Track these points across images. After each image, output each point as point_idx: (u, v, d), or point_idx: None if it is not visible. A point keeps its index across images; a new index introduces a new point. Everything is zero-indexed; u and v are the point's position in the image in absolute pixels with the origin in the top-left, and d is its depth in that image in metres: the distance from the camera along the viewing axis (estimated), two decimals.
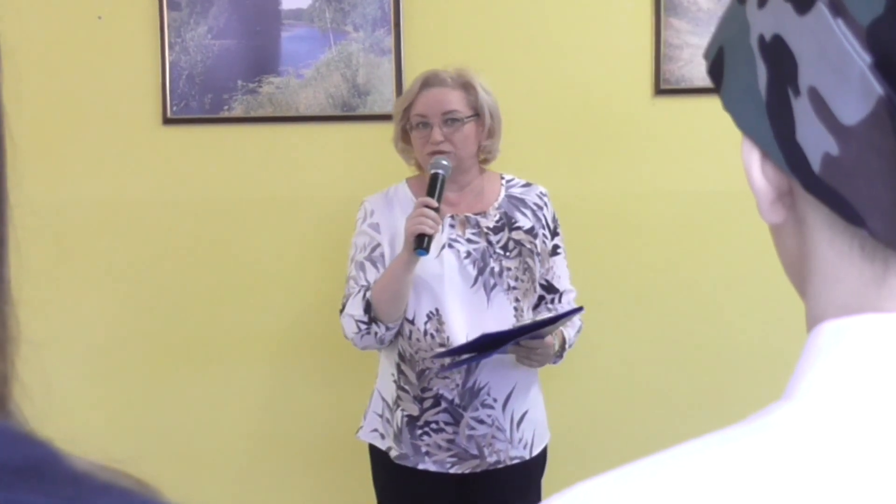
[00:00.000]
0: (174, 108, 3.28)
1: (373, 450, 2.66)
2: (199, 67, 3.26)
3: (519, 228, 2.59)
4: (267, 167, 3.29)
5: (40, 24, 3.28)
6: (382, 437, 2.62)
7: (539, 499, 2.65)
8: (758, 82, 0.58)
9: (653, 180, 3.19)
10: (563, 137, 3.20)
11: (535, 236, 2.61)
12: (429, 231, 2.36)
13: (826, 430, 0.53)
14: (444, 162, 2.47)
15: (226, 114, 3.28)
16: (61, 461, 0.32)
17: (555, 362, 2.62)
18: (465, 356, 2.45)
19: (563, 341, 2.58)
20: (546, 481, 2.71)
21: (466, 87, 2.56)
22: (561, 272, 2.66)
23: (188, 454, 3.32)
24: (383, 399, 2.63)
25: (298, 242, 3.30)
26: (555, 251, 2.65)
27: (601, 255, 3.20)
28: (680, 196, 3.19)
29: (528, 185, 2.68)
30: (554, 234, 2.66)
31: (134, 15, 3.28)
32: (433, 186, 2.44)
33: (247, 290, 3.32)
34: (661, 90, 3.16)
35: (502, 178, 2.67)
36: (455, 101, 2.54)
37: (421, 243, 2.36)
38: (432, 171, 2.46)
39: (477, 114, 2.56)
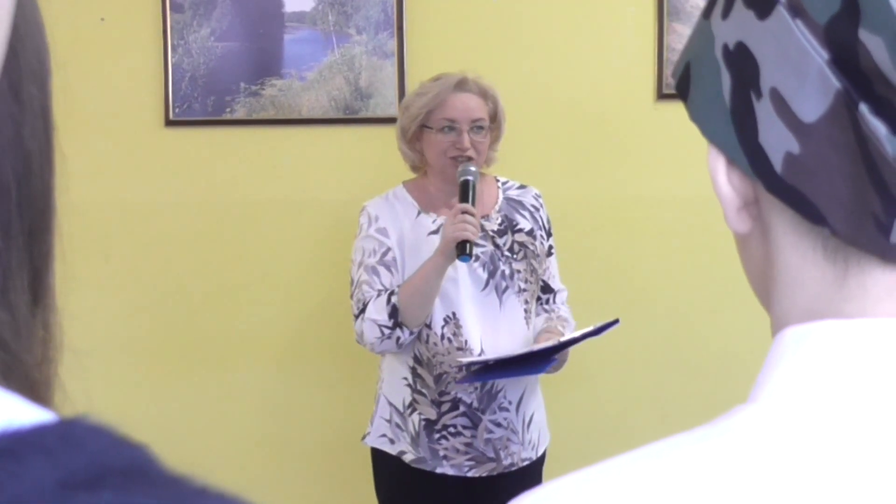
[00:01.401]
0: (176, 111, 3.29)
1: (378, 455, 2.66)
2: (202, 70, 3.26)
3: (520, 230, 2.61)
4: (269, 170, 3.30)
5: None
6: (392, 441, 2.62)
7: None
8: (722, 90, 0.59)
9: (655, 185, 3.19)
10: (566, 141, 3.21)
11: (535, 238, 2.62)
12: (471, 237, 2.37)
13: (785, 433, 0.54)
14: (473, 168, 2.48)
15: (228, 116, 3.28)
16: (158, 465, 0.33)
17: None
18: (478, 366, 2.46)
19: None
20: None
21: (486, 95, 2.58)
22: (555, 271, 2.70)
23: (191, 456, 3.32)
24: (391, 404, 2.63)
25: (300, 245, 3.30)
26: (550, 251, 2.68)
27: (602, 259, 3.20)
28: (681, 201, 3.19)
29: (522, 187, 2.69)
30: (549, 234, 2.68)
31: (137, 17, 3.28)
32: (466, 193, 2.44)
33: (248, 292, 3.32)
34: (663, 95, 3.16)
35: (497, 180, 2.69)
36: (481, 108, 2.56)
37: (464, 249, 2.37)
38: (462, 179, 2.46)
39: (493, 123, 2.58)
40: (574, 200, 3.14)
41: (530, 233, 2.62)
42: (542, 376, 2.68)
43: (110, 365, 3.34)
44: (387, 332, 2.48)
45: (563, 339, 2.49)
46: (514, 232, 2.60)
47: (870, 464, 0.52)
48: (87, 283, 3.32)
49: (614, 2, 3.17)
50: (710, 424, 0.58)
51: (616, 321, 2.49)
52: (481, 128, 2.55)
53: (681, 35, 3.13)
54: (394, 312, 2.47)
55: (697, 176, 3.17)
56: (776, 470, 0.53)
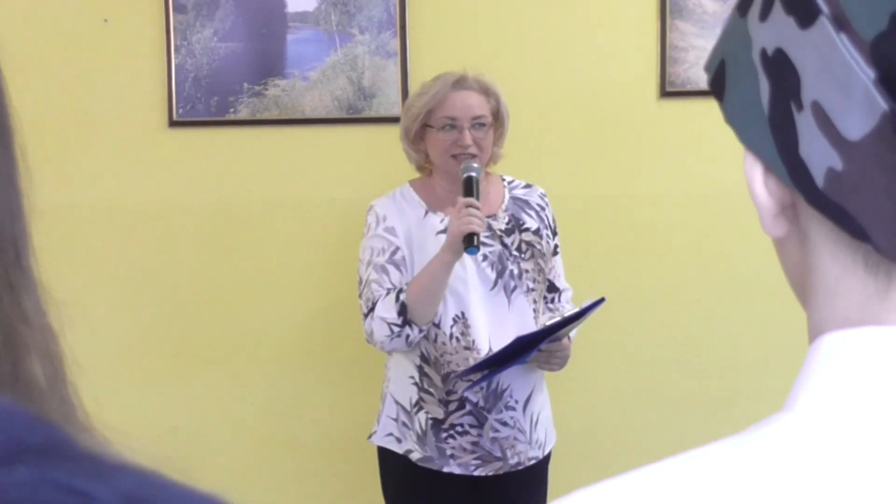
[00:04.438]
0: (180, 111, 3.29)
1: (385, 454, 2.66)
2: (205, 70, 3.27)
3: (527, 230, 2.61)
4: (272, 170, 3.30)
5: (46, 27, 3.29)
6: (399, 440, 2.62)
7: (545, 499, 2.66)
8: (760, 96, 0.57)
9: (658, 182, 3.19)
10: (569, 139, 3.21)
11: (541, 237, 2.62)
12: (477, 229, 2.37)
13: (826, 442, 0.53)
14: (475, 165, 2.49)
15: (231, 116, 3.28)
16: (73, 442, 0.34)
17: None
18: (485, 371, 2.46)
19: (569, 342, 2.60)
20: (550, 482, 2.71)
21: (488, 92, 2.58)
22: (560, 271, 2.70)
23: (194, 456, 3.32)
24: (398, 402, 2.63)
25: (304, 245, 3.30)
26: (555, 251, 2.68)
27: (606, 257, 3.20)
28: (685, 198, 3.19)
29: (528, 186, 2.70)
30: (555, 233, 2.69)
31: (140, 18, 3.29)
32: (469, 188, 2.45)
33: (253, 292, 3.32)
34: (666, 92, 3.16)
35: (503, 179, 2.69)
36: (482, 106, 2.56)
37: (471, 242, 2.38)
38: (465, 175, 2.47)
39: (496, 120, 2.58)
40: (577, 198, 3.13)
41: (537, 232, 2.62)
42: (547, 375, 2.68)
43: (115, 366, 3.34)
44: (396, 329, 2.48)
45: (549, 322, 2.49)
46: (521, 231, 2.60)
47: None
48: (91, 284, 3.32)
49: (617, 0, 3.17)
50: (748, 432, 0.56)
51: (602, 300, 2.48)
52: (483, 125, 2.54)
53: (683, 32, 3.13)
54: (402, 310, 2.46)
55: (701, 173, 3.17)
56: (815, 480, 0.52)
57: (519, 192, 2.67)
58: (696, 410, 3.19)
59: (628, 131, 3.19)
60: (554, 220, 2.69)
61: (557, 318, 2.49)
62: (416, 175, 2.70)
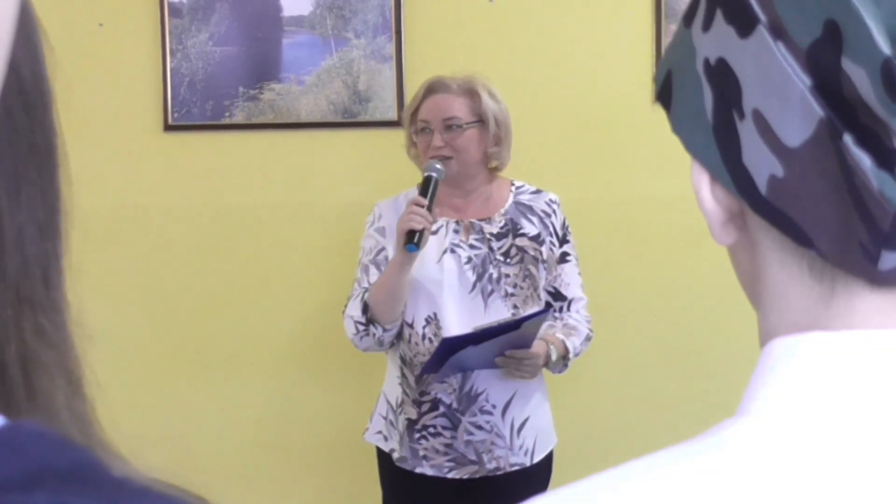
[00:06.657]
0: (175, 115, 3.29)
1: (379, 451, 2.68)
2: (201, 74, 3.26)
3: (524, 235, 2.60)
4: (268, 174, 3.30)
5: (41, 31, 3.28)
6: (386, 438, 2.64)
7: None
8: (704, 106, 0.58)
9: (654, 186, 3.19)
10: (565, 143, 3.21)
11: (542, 243, 2.61)
12: (417, 227, 2.39)
13: (779, 447, 0.54)
14: (438, 166, 2.50)
15: (227, 120, 3.28)
16: (101, 466, 0.34)
17: (560, 371, 2.61)
18: (441, 363, 2.46)
19: (566, 351, 2.57)
20: (552, 487, 2.70)
21: (471, 93, 2.57)
22: (570, 280, 2.65)
23: (192, 458, 3.32)
24: (388, 401, 2.66)
25: (300, 249, 3.30)
26: (564, 258, 2.64)
27: (604, 261, 3.20)
28: (682, 202, 3.18)
29: (538, 192, 2.68)
30: (563, 241, 2.65)
31: (135, 22, 3.29)
32: (425, 187, 2.48)
33: (248, 295, 3.32)
34: None
35: (512, 184, 2.68)
36: (457, 107, 2.55)
37: (411, 238, 2.39)
38: (425, 174, 2.50)
39: (480, 120, 2.57)
40: (573, 202, 3.13)
41: (536, 238, 2.60)
42: (548, 378, 2.67)
43: (110, 369, 3.33)
44: (361, 328, 2.52)
45: (479, 326, 2.48)
46: (516, 236, 2.59)
47: (865, 476, 0.52)
48: (86, 288, 3.31)
49: (612, 4, 3.17)
50: (701, 438, 0.57)
51: (545, 311, 2.51)
52: (458, 126, 2.54)
53: None
54: (366, 309, 2.50)
55: None
56: (773, 485, 0.52)
57: (524, 198, 2.66)
58: (697, 414, 3.19)
59: (624, 135, 3.19)
60: (563, 228, 2.65)
61: (492, 323, 2.48)
62: (409, 179, 2.70)
